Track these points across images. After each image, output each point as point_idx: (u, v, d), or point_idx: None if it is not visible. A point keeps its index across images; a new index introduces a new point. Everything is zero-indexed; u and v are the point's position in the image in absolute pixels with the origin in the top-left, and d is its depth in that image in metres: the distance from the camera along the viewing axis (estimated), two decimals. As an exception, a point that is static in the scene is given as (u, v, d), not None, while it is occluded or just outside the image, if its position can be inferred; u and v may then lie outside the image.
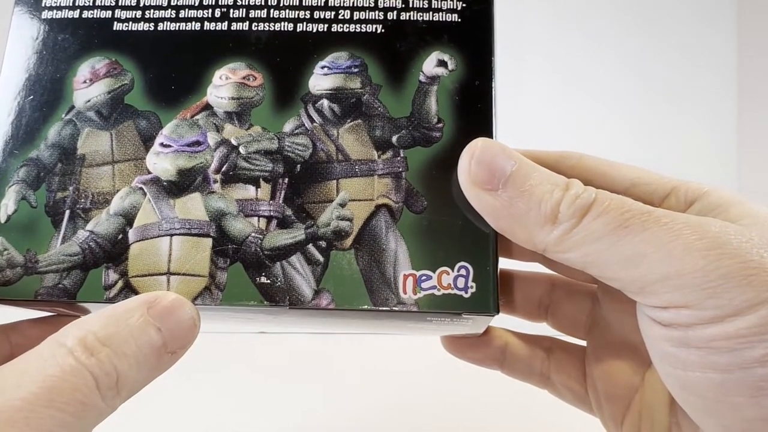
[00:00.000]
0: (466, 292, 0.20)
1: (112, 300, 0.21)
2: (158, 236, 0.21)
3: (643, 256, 0.18)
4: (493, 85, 0.22)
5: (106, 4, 0.23)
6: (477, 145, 0.20)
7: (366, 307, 0.21)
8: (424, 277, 0.21)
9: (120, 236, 0.21)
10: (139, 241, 0.21)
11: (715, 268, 0.17)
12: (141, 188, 0.22)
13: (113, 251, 0.21)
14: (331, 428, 0.41)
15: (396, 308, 0.20)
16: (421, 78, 0.22)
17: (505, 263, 0.26)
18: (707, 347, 0.18)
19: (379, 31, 0.23)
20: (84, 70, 0.23)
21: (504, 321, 0.26)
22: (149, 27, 0.23)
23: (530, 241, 0.20)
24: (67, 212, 0.22)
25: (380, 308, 0.20)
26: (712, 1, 0.62)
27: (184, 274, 0.21)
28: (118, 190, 0.22)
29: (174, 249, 0.21)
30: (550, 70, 0.60)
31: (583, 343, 0.27)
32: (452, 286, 0.20)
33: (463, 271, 0.21)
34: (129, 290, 0.21)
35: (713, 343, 0.17)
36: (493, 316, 0.20)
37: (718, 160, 0.59)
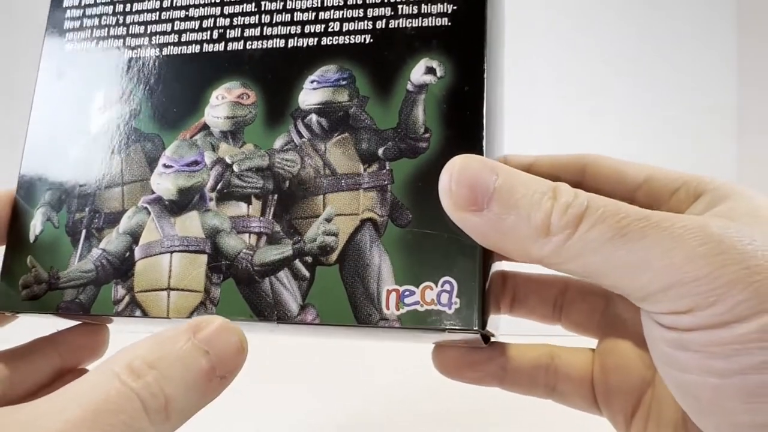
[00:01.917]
0: (450, 308, 0.20)
1: (120, 313, 0.22)
2: (160, 253, 0.22)
3: (645, 265, 0.17)
4: (484, 90, 0.21)
5: (118, 33, 0.25)
6: (455, 164, 0.19)
7: (349, 323, 0.20)
8: (407, 293, 0.20)
9: (127, 254, 0.23)
10: (144, 258, 0.23)
11: (720, 276, 0.16)
12: (146, 208, 0.23)
13: (121, 268, 0.23)
14: (331, 428, 0.41)
15: (379, 324, 0.20)
16: (409, 87, 0.22)
17: (515, 265, 0.25)
18: (705, 351, 0.17)
19: (367, 42, 0.22)
20: (100, 97, 0.25)
21: (509, 325, 0.25)
22: (156, 52, 0.24)
23: (526, 256, 0.19)
24: (84, 231, 0.24)
25: (363, 325, 0.20)
26: (713, 1, 0.58)
27: (182, 290, 0.22)
28: (126, 210, 0.23)
29: (174, 265, 0.22)
30: (549, 70, 0.59)
31: (586, 343, 0.26)
32: (435, 301, 0.20)
33: (447, 287, 0.20)
34: (134, 305, 0.22)
35: (711, 348, 0.17)
36: (477, 333, 0.20)
37: (719, 160, 0.56)
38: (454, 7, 0.22)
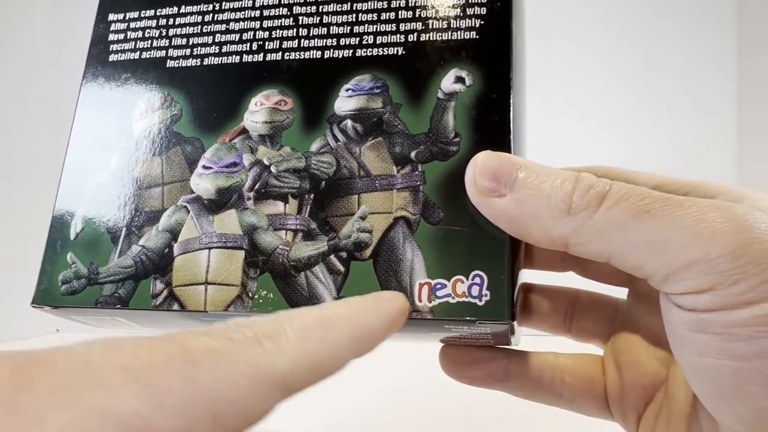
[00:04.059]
0: (480, 300, 0.21)
1: (158, 307, 0.23)
2: (198, 249, 0.23)
3: (669, 241, 0.18)
4: (510, 98, 0.22)
5: (161, 45, 0.26)
6: (478, 156, 0.21)
7: None
8: (439, 286, 0.21)
9: (166, 250, 0.24)
10: (183, 254, 0.24)
11: (743, 254, 0.17)
12: (185, 206, 0.24)
13: (160, 263, 0.24)
14: (330, 428, 0.41)
15: (412, 316, 0.21)
16: (439, 95, 0.23)
17: (530, 276, 0.26)
18: (726, 333, 0.17)
19: (400, 53, 0.24)
20: (142, 104, 0.26)
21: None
22: (197, 62, 0.26)
23: (549, 238, 0.20)
24: (124, 229, 0.25)
25: None
26: (713, 1, 0.60)
27: (219, 284, 0.23)
28: (166, 209, 0.24)
29: (211, 261, 0.23)
30: (547, 71, 0.59)
31: (585, 350, 0.27)
32: (467, 294, 0.21)
33: (477, 280, 0.21)
34: (172, 299, 0.23)
35: (732, 329, 0.17)
36: (507, 324, 0.21)
37: (719, 160, 0.56)
38: (482, 22, 0.23)
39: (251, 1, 0.26)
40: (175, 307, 0.23)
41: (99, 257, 0.24)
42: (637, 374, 0.24)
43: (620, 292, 0.27)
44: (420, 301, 0.21)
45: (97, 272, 0.24)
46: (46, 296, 0.24)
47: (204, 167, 0.24)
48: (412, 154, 0.23)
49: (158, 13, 0.27)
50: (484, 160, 0.21)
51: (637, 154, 0.58)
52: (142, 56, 0.27)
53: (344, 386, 0.47)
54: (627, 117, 0.60)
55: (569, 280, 0.28)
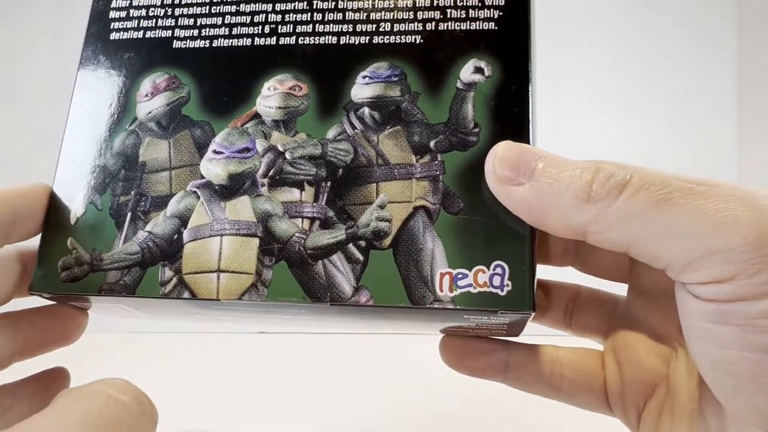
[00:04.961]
0: (502, 290, 0.21)
1: (167, 295, 0.22)
2: (210, 236, 0.23)
3: (690, 230, 0.18)
4: (530, 89, 0.23)
5: (166, 25, 0.25)
6: (498, 146, 0.21)
7: (404, 304, 0.21)
8: (460, 276, 0.21)
9: (175, 236, 0.23)
10: (192, 240, 0.23)
11: (766, 243, 0.17)
12: (195, 192, 0.23)
13: (169, 250, 0.23)
14: (330, 428, 0.41)
15: (434, 305, 0.21)
16: (459, 85, 0.23)
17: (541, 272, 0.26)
18: (747, 324, 0.17)
19: (418, 42, 0.24)
20: (146, 84, 0.25)
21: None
22: (205, 44, 0.25)
23: (567, 226, 0.20)
24: (129, 215, 0.24)
25: (418, 306, 0.21)
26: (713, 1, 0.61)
27: (232, 272, 0.22)
28: (174, 194, 0.24)
29: (224, 248, 0.23)
30: (545, 69, 0.61)
31: (584, 345, 0.27)
32: (488, 284, 0.21)
33: (498, 270, 0.21)
34: (182, 286, 0.22)
35: (754, 321, 0.17)
36: (530, 314, 0.21)
37: (719, 160, 0.58)
38: (500, 13, 0.23)
39: None
40: (186, 294, 0.22)
41: (102, 243, 0.23)
42: (637, 370, 0.25)
43: (620, 288, 0.27)
44: (441, 290, 0.21)
45: (101, 258, 0.23)
46: (45, 283, 0.23)
47: (215, 152, 0.24)
48: (432, 144, 0.23)
49: None
50: (504, 150, 0.21)
51: (636, 152, 0.58)
52: (147, 35, 0.26)
53: (344, 387, 0.47)
54: (626, 117, 0.60)
55: (568, 274, 0.28)
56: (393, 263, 0.22)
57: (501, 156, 0.21)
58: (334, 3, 0.25)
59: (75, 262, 0.23)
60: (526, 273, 0.21)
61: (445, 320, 0.23)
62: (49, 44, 0.66)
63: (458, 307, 0.21)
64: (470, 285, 0.21)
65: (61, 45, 0.65)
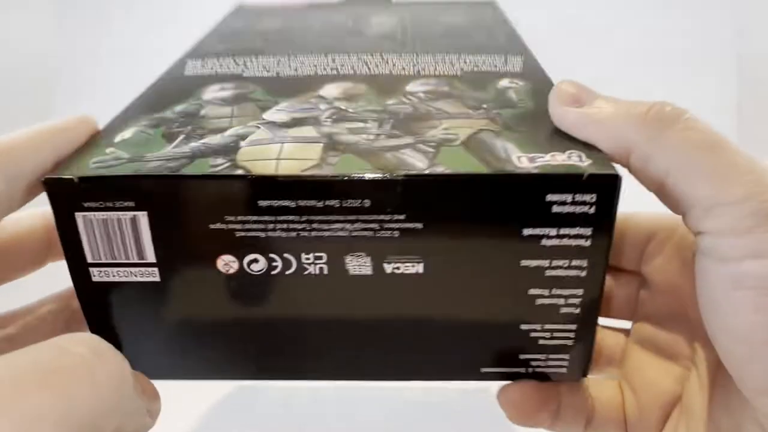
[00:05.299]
0: (582, 162, 0.20)
1: (217, 174, 0.20)
2: (269, 144, 0.22)
3: (726, 175, 0.19)
4: None
5: (237, 63, 0.30)
6: (563, 80, 0.23)
7: (482, 171, 0.20)
8: (537, 157, 0.21)
9: (232, 144, 0.22)
10: (250, 145, 0.22)
11: None
12: (257, 126, 0.23)
13: (223, 150, 0.21)
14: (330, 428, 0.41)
15: (516, 171, 0.20)
16: (498, 86, 0.27)
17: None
18: (762, 287, 0.18)
19: (460, 73, 0.29)
20: (215, 84, 0.28)
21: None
22: (272, 75, 0.29)
23: (615, 142, 0.20)
24: (182, 136, 0.23)
25: (498, 172, 0.20)
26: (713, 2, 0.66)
27: (294, 159, 0.21)
28: (233, 127, 0.23)
29: (284, 150, 0.21)
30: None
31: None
32: (567, 160, 0.20)
33: (575, 155, 0.21)
34: (235, 168, 0.20)
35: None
36: (617, 178, 0.20)
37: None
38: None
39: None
40: (238, 172, 0.20)
41: (148, 150, 0.22)
42: (653, 394, 0.24)
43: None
44: (521, 163, 0.20)
45: (143, 156, 0.21)
46: (68, 169, 0.20)
47: (278, 109, 0.25)
48: (484, 105, 0.25)
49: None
50: (568, 82, 0.23)
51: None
52: (218, 72, 0.29)
53: (344, 386, 0.42)
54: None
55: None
56: (465, 152, 0.21)
57: (566, 82, 0.23)
58: (380, 56, 0.30)
59: (112, 159, 0.21)
60: (603, 157, 0.21)
61: (521, 251, 0.21)
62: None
63: (543, 172, 0.20)
64: (549, 161, 0.20)
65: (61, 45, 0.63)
